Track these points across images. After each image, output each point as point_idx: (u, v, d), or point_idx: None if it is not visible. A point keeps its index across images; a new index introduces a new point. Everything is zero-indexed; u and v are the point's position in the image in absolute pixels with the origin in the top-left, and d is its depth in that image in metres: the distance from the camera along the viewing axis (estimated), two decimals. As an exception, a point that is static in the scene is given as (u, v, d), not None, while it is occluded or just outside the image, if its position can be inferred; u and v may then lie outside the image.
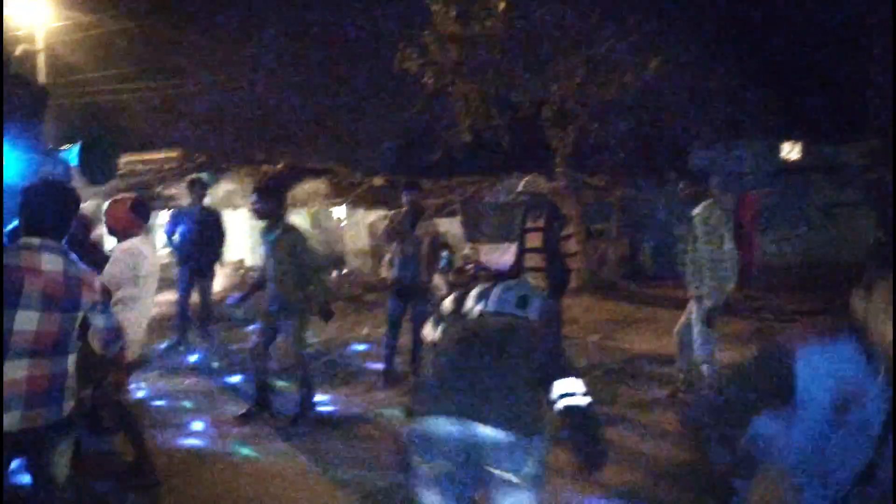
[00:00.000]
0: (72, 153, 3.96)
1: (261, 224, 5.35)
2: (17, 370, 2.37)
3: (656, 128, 14.16)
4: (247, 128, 14.81)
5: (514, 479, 2.11)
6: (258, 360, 5.21)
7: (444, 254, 9.20)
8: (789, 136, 14.81)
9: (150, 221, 4.62)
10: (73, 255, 2.64)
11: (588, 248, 13.13)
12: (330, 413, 5.46)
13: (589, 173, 14.65)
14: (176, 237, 7.54)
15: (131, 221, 3.90)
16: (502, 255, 12.22)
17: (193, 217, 7.53)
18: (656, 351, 7.17)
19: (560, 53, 11.58)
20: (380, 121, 17.25)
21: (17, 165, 3.56)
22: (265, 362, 5.26)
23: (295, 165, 15.61)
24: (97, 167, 4.11)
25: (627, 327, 9.03)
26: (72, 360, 2.58)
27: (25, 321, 2.38)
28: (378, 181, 15.52)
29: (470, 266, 9.84)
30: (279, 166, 15.34)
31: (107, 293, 2.80)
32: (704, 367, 5.18)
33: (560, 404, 2.24)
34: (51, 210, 2.59)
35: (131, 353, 3.67)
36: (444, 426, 2.15)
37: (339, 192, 15.25)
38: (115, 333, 2.76)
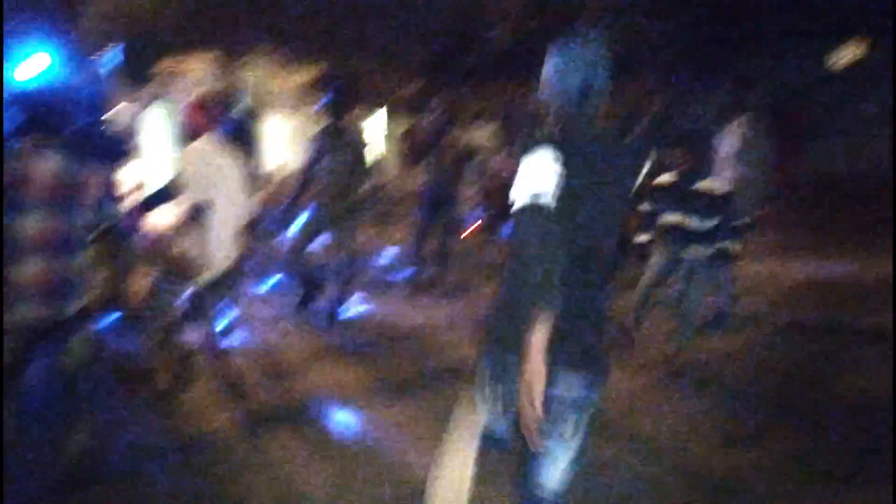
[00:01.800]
0: (109, 57, 3.95)
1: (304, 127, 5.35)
2: (28, 267, 2.52)
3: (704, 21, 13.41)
4: (278, 30, 14.54)
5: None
6: (299, 261, 5.28)
7: (472, 163, 9.12)
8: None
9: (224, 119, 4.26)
10: (79, 151, 2.65)
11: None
12: (361, 315, 5.71)
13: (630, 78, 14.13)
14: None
15: (199, 121, 3.74)
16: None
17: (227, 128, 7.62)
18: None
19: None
20: (414, 24, 16.73)
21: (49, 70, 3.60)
22: (304, 263, 5.34)
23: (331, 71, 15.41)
24: (134, 71, 4.08)
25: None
26: (85, 255, 2.69)
27: (29, 222, 2.52)
28: (411, 88, 15.28)
29: (503, 174, 9.74)
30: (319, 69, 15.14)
31: (114, 190, 2.79)
32: None
33: None
34: (44, 107, 2.63)
35: (219, 261, 3.63)
36: None
37: (374, 99, 15.09)
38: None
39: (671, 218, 4.27)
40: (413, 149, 6.40)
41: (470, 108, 14.06)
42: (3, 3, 3.52)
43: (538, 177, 1.80)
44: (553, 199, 1.77)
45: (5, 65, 3.52)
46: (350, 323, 5.46)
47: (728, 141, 5.15)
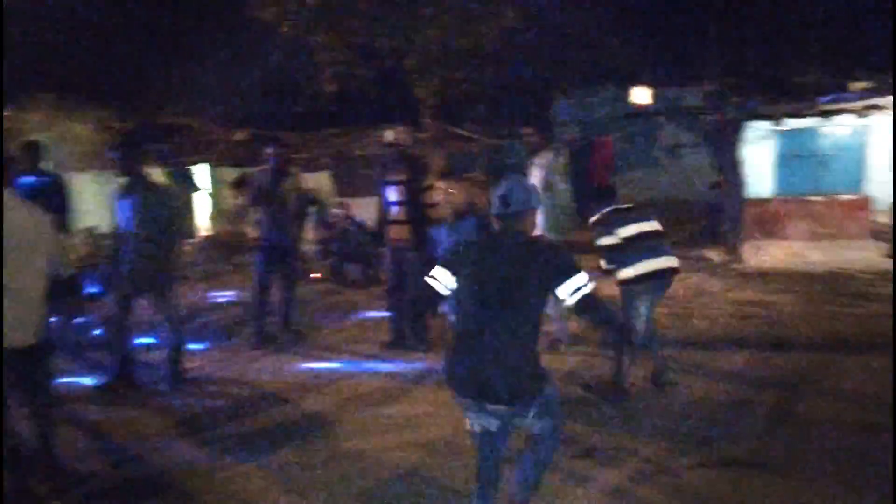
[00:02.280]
0: None
1: (115, 186, 5.03)
2: None
3: (517, 77, 14.54)
4: (88, 82, 13.56)
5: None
6: (118, 332, 4.98)
7: (313, 210, 9.09)
8: (638, 82, 15.68)
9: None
10: None
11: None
12: (201, 374, 5.38)
13: (456, 123, 14.87)
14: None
15: None
16: (370, 209, 12.26)
17: (30, 183, 6.93)
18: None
19: (421, 2, 11.53)
20: (239, 72, 16.41)
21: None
22: (125, 333, 5.03)
23: (148, 121, 14.61)
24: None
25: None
26: None
27: None
28: (240, 136, 14.88)
29: (341, 221, 9.79)
30: (131, 123, 14.29)
31: None
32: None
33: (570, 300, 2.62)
34: None
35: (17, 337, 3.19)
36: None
37: (198, 149, 14.50)
38: None
39: None
40: (250, 197, 6.19)
41: (303, 155, 13.98)
42: (2, 3, 3.02)
43: None
44: None
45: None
46: (195, 382, 5.13)
47: (534, 172, 5.81)
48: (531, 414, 2.60)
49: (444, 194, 3.54)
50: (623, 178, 14.60)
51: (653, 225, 4.56)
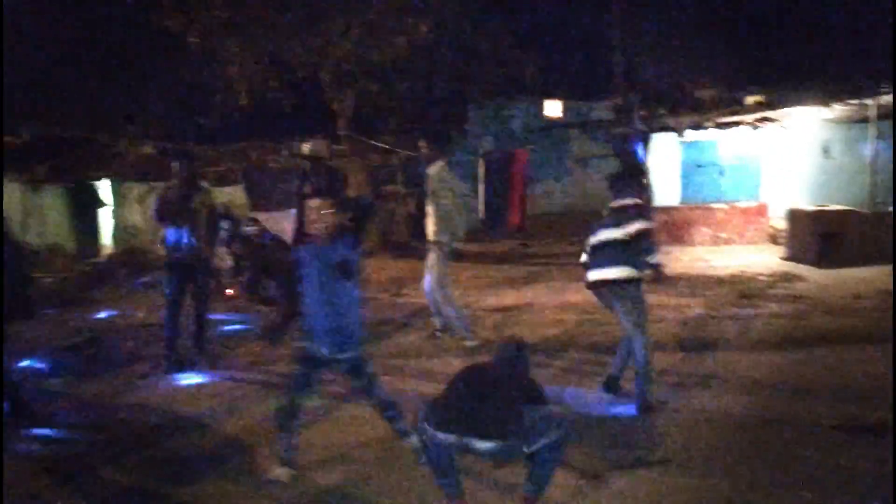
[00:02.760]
0: None
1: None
2: None
3: (432, 90, 14.66)
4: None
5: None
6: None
7: (226, 224, 8.75)
8: (550, 96, 16.17)
9: None
10: None
11: (377, 210, 13.37)
12: (103, 401, 5.06)
13: (373, 136, 14.82)
14: None
15: None
16: (285, 223, 11.98)
17: None
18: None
19: (333, 14, 11.44)
20: (147, 84, 15.74)
21: None
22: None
23: (46, 135, 13.74)
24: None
25: (416, 282, 9.42)
26: None
27: None
28: (147, 150, 14.26)
29: (256, 236, 9.48)
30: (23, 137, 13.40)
31: None
32: (447, 309, 6.04)
33: None
34: None
35: None
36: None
37: (101, 164, 13.77)
38: None
39: None
40: (158, 213, 5.89)
41: (215, 169, 13.54)
42: (2, 3, 2.64)
43: None
44: None
45: None
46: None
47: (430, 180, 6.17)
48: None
49: (316, 214, 3.48)
50: (537, 189, 14.95)
51: (612, 234, 4.48)
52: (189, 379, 5.58)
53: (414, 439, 3.39)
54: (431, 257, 6.10)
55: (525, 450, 2.82)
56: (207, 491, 3.54)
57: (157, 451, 4.15)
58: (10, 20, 12.55)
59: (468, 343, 6.06)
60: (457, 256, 6.54)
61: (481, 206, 14.49)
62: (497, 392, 2.90)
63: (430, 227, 6.07)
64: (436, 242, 6.05)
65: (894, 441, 2.79)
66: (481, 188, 15.53)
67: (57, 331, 7.48)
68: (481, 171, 15.96)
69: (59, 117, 14.32)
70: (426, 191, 6.17)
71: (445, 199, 6.04)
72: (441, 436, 2.84)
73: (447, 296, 6.11)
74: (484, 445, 2.79)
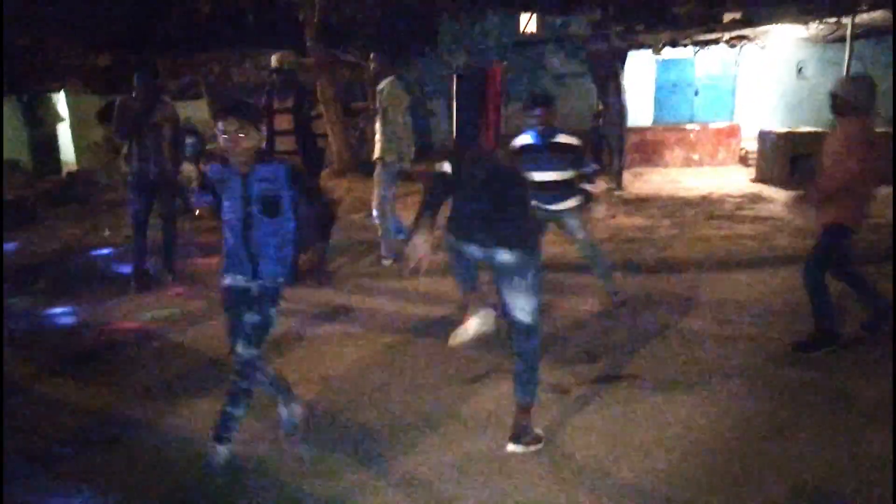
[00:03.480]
0: None
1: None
2: None
3: (402, 1, 14.07)
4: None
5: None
6: None
7: (191, 140, 8.50)
8: (526, 9, 15.68)
9: None
10: None
11: (347, 126, 13.06)
12: (72, 323, 5.01)
13: (342, 49, 14.26)
14: None
15: None
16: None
17: None
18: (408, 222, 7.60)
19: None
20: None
21: None
22: None
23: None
24: None
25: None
26: None
27: None
28: (104, 61, 13.57)
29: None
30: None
31: None
32: (382, 219, 6.03)
33: None
34: None
35: None
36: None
37: (52, 75, 13.11)
38: None
39: (540, 176, 4.35)
40: (118, 128, 5.65)
41: (176, 81, 12.99)
42: (2, 4, 2.33)
43: None
44: None
45: None
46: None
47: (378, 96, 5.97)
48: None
49: (230, 136, 2.81)
50: (511, 109, 14.70)
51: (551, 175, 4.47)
52: (157, 297, 5.54)
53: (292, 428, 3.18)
54: (376, 175, 5.97)
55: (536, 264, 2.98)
56: (203, 409, 3.56)
57: (135, 373, 4.14)
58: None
59: (384, 262, 6.15)
60: (406, 177, 6.38)
61: (453, 125, 14.21)
62: (510, 203, 2.97)
63: (377, 144, 5.92)
64: (381, 160, 5.89)
65: (893, 434, 2.91)
66: (454, 106, 15.23)
67: (21, 251, 7.31)
68: (454, 88, 15.60)
69: (9, 22, 13.46)
70: (376, 108, 5.98)
71: (395, 116, 5.84)
72: (468, 248, 2.98)
73: (384, 214, 6.04)
74: (505, 256, 2.89)
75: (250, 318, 2.89)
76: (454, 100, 15.23)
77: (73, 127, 13.19)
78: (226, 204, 2.94)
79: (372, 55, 6.15)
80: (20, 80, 12.57)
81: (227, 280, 2.98)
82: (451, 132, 14.47)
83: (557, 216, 4.62)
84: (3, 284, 2.25)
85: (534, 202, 4.16)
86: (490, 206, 2.92)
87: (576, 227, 4.69)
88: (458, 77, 15.36)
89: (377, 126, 5.96)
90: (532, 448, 3.01)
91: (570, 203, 4.57)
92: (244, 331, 2.90)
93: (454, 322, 3.30)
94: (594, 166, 4.63)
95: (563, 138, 4.43)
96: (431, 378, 3.83)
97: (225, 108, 2.91)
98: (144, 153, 5.60)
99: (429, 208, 2.87)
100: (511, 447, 3.00)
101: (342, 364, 4.09)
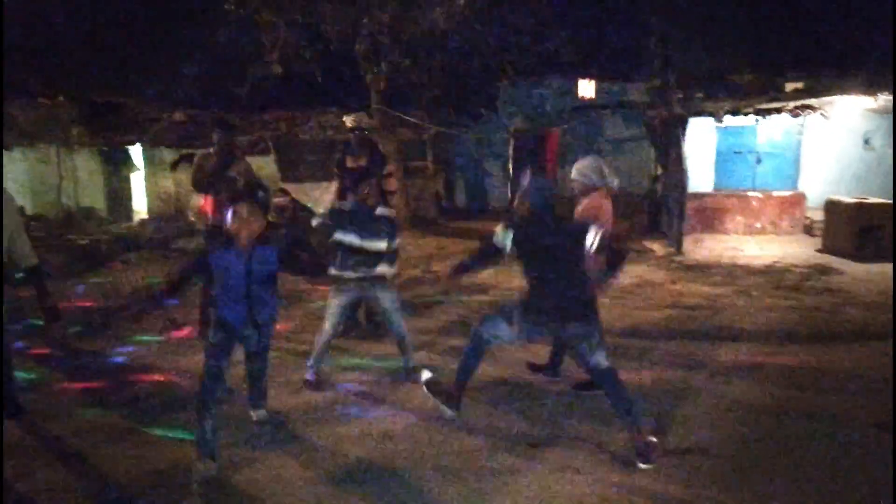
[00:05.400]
0: None
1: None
2: None
3: (465, 65, 14.50)
4: (20, 58, 12.73)
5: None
6: None
7: (261, 194, 8.79)
8: (584, 75, 15.89)
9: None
10: None
11: (406, 185, 13.35)
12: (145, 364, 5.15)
13: (404, 110, 14.71)
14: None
15: None
16: (322, 194, 12.02)
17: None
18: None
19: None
20: (179, 50, 15.75)
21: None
22: None
23: (80, 97, 13.86)
24: None
25: (443, 259, 9.45)
26: None
27: None
28: (178, 116, 14.33)
29: (288, 205, 9.53)
30: (59, 100, 13.54)
31: None
32: None
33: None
34: None
35: None
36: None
37: (133, 129, 13.88)
38: None
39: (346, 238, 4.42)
40: (197, 181, 5.90)
41: (245, 138, 13.57)
42: (2, 4, 2.73)
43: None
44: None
45: None
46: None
47: None
48: None
49: (243, 219, 3.27)
50: (568, 171, 14.80)
51: None
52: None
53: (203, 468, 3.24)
54: None
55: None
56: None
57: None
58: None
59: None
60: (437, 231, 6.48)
61: (510, 186, 14.36)
62: (574, 288, 3.54)
63: None
64: None
65: (894, 440, 2.74)
66: (511, 167, 15.42)
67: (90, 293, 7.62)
68: (511, 149, 15.82)
69: (94, 81, 14.43)
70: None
71: None
72: (539, 332, 3.71)
73: None
74: (574, 328, 3.50)
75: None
76: (511, 161, 15.46)
77: (146, 177, 13.87)
78: (228, 282, 3.39)
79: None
80: (103, 134, 13.36)
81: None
82: (508, 193, 14.62)
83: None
84: (2, 284, 2.41)
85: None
86: (565, 277, 3.47)
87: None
88: (515, 139, 15.64)
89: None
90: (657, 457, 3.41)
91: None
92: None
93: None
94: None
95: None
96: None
97: (239, 193, 3.28)
98: (220, 205, 5.82)
99: (466, 270, 3.86)
100: (642, 465, 3.37)
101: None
